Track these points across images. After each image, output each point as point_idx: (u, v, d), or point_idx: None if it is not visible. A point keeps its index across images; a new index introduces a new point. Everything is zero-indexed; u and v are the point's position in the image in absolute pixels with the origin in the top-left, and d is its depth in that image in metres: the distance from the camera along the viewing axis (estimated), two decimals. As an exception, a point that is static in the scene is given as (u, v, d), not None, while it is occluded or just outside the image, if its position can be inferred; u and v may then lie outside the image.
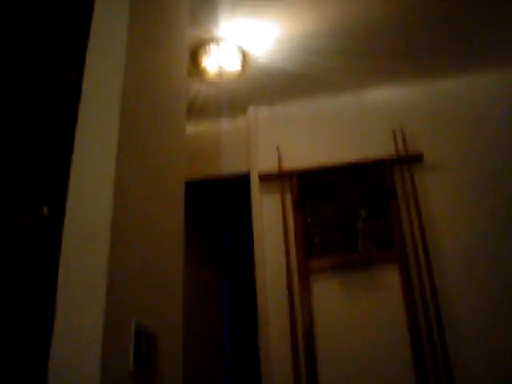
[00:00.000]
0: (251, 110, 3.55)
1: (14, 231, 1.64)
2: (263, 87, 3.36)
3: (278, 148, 3.35)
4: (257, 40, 2.94)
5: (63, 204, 1.52)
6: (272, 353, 2.90)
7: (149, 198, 1.77)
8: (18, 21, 2.07)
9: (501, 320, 2.76)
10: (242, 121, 3.59)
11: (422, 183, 3.15)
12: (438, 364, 2.67)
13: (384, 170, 3.14)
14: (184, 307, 1.90)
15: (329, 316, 2.91)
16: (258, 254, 3.13)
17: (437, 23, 2.88)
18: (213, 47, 2.97)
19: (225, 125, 3.64)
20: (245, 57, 3.07)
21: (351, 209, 3.10)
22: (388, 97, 3.43)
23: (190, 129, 3.59)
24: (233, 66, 3.06)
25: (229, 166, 3.49)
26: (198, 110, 3.53)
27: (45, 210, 1.67)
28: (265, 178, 3.28)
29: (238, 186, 3.46)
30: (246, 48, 3.00)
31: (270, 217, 3.21)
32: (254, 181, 3.31)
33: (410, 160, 3.17)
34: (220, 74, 3.09)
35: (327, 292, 2.97)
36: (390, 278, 2.94)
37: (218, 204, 3.99)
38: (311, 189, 3.18)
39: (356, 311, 2.90)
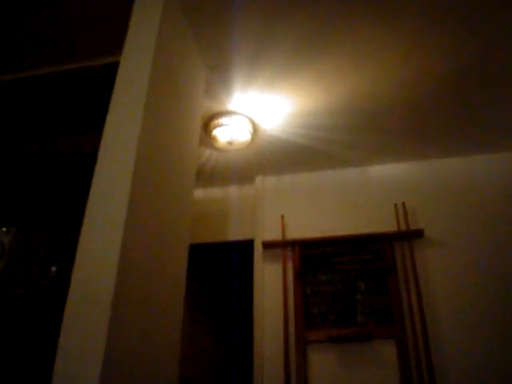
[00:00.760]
0: (259, 179, 3.67)
1: (21, 288, 1.71)
2: (271, 158, 3.49)
3: (282, 217, 3.44)
4: (268, 113, 3.09)
5: (71, 265, 1.59)
6: (265, 423, 2.88)
7: (153, 259, 1.85)
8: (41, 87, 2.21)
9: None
10: (250, 189, 3.71)
11: (422, 258, 3.20)
12: None
13: (385, 245, 3.21)
14: (180, 373, 1.93)
15: (324, 387, 2.91)
16: (257, 321, 3.16)
17: (440, 107, 3.02)
18: (225, 118, 3.12)
19: (233, 192, 3.76)
20: (255, 128, 3.21)
21: (351, 281, 3.15)
22: (391, 173, 3.54)
23: (199, 194, 3.71)
24: (243, 136, 3.20)
25: (235, 231, 3.58)
26: (208, 176, 3.66)
27: (53, 269, 1.74)
28: (268, 246, 3.36)
29: (243, 251, 3.53)
30: (257, 120, 3.15)
31: (271, 283, 3.26)
32: (258, 248, 3.39)
33: (410, 235, 3.24)
34: (230, 144, 3.23)
35: (323, 363, 2.97)
36: (386, 353, 2.95)
37: (224, 266, 4.04)
38: (313, 259, 3.24)
39: (351, 382, 2.89)
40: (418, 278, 3.11)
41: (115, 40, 2.15)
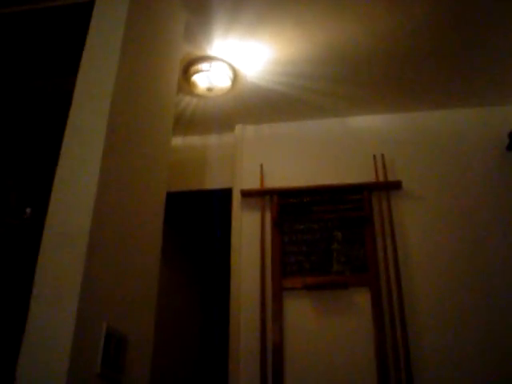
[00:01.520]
0: (238, 127, 3.63)
1: (-4, 229, 1.69)
2: (251, 106, 3.44)
3: (261, 166, 3.42)
4: (248, 60, 3.03)
5: (46, 206, 1.57)
6: (241, 363, 2.94)
7: (129, 203, 1.83)
8: (18, 24, 2.13)
9: (466, 344, 2.83)
10: (229, 137, 3.67)
11: (399, 210, 3.23)
12: (402, 381, 2.73)
13: (363, 195, 3.23)
14: (156, 314, 1.95)
15: (299, 333, 2.97)
16: (233, 268, 3.19)
17: (421, 59, 3.00)
18: (205, 64, 3.05)
19: (211, 140, 3.73)
20: (235, 75, 3.15)
21: (328, 231, 3.17)
22: (372, 124, 3.53)
23: (178, 142, 3.66)
24: (223, 82, 3.15)
25: (213, 180, 3.57)
26: (187, 124, 3.61)
27: (28, 210, 1.72)
28: (246, 195, 3.35)
29: (221, 199, 3.52)
30: (237, 67, 3.09)
31: (248, 233, 3.27)
32: (236, 196, 3.38)
33: (388, 187, 3.26)
34: (210, 90, 3.18)
35: (299, 310, 3.02)
36: (361, 301, 3.01)
37: (200, 215, 4.04)
38: (291, 208, 3.25)
39: (326, 331, 2.96)
40: (394, 229, 3.14)
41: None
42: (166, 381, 3.22)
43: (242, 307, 3.08)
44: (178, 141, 3.64)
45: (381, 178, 3.29)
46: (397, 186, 3.26)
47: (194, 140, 3.74)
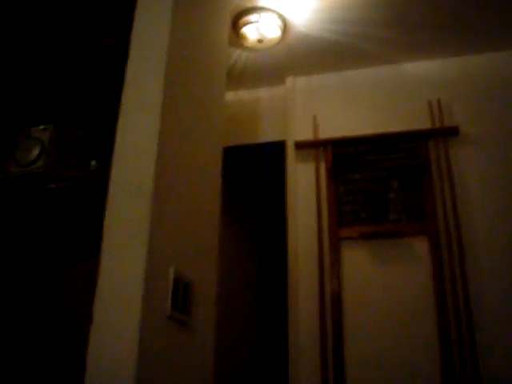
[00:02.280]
0: (289, 79, 3.60)
1: (63, 183, 1.75)
2: (302, 57, 3.40)
3: (314, 117, 3.40)
4: (297, 8, 2.97)
5: (110, 157, 1.61)
6: (300, 313, 3.00)
7: (189, 154, 1.86)
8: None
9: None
10: (280, 90, 3.64)
11: (457, 157, 3.16)
12: (463, 335, 2.72)
13: (419, 143, 3.16)
14: (219, 261, 2.00)
15: (357, 282, 2.99)
16: (290, 220, 3.21)
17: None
18: (254, 15, 3.02)
19: (263, 93, 3.71)
20: (285, 25, 3.10)
21: (384, 180, 3.14)
22: (426, 70, 3.42)
23: (229, 96, 3.67)
24: (273, 33, 3.11)
25: (266, 133, 3.57)
26: (237, 78, 3.60)
27: (92, 163, 1.77)
28: (300, 147, 3.34)
29: (275, 152, 3.52)
30: (287, 16, 3.04)
31: (303, 184, 3.28)
32: (290, 149, 3.38)
33: (445, 133, 3.18)
34: (260, 41, 3.15)
35: (357, 260, 3.03)
36: (419, 250, 2.99)
37: (255, 169, 4.06)
38: (345, 158, 3.23)
39: (384, 280, 2.97)
40: (453, 176, 3.08)
41: None
42: (227, 328, 3.31)
43: (299, 258, 3.12)
44: (229, 96, 3.65)
45: (437, 125, 3.21)
46: (454, 131, 3.18)
47: (245, 94, 3.73)
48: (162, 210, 1.55)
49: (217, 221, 2.05)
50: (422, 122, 3.25)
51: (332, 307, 2.94)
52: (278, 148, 3.44)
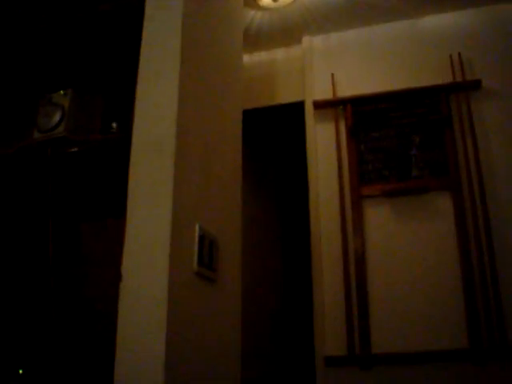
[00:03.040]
0: (306, 39, 3.54)
1: (85, 146, 1.77)
2: (318, 15, 3.33)
3: (332, 76, 3.35)
4: (312, -35, 2.92)
5: (131, 120, 1.62)
6: (324, 273, 3.02)
7: (209, 117, 1.86)
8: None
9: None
10: (297, 50, 3.59)
11: (479, 111, 3.10)
12: (488, 288, 2.72)
13: (440, 98, 3.11)
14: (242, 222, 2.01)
15: (380, 240, 2.99)
16: (311, 181, 3.21)
17: None
18: (268, -27, 2.97)
19: (279, 54, 3.66)
20: (300, -18, 3.05)
21: (405, 136, 3.10)
22: (445, 23, 3.34)
23: (245, 59, 3.62)
24: (288, -9, 3.06)
25: (284, 94, 3.53)
26: (253, 40, 3.55)
27: (114, 125, 1.78)
28: (319, 106, 3.31)
29: (294, 114, 3.49)
30: (302, -27, 2.98)
31: (323, 144, 3.26)
32: (309, 108, 3.34)
33: (467, 87, 3.12)
34: (275, 0, 3.10)
35: (379, 217, 3.03)
36: (442, 206, 2.97)
37: (274, 130, 4.04)
38: (365, 116, 3.19)
39: (407, 236, 2.96)
40: (475, 131, 3.03)
41: None
42: (252, 289, 3.34)
43: (321, 218, 3.12)
44: (245, 58, 3.59)
45: (458, 79, 3.14)
46: (476, 85, 3.11)
47: (261, 56, 3.69)
48: (184, 168, 1.56)
49: (239, 180, 2.06)
50: (443, 77, 3.18)
51: (356, 266, 2.95)
52: (297, 109, 3.41)
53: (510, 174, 2.94)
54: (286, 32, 3.50)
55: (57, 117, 1.83)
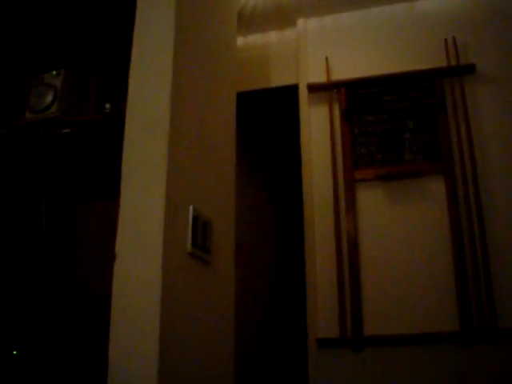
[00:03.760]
0: (300, 21, 3.51)
1: (78, 127, 1.76)
2: (313, -4, 3.31)
3: (326, 59, 3.33)
4: None
5: (125, 101, 1.61)
6: (317, 257, 3.03)
7: (203, 98, 1.85)
8: None
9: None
10: (291, 33, 3.56)
11: (473, 96, 3.10)
12: (479, 273, 2.74)
13: (434, 82, 3.11)
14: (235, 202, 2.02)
15: (373, 224, 3.00)
16: (305, 164, 3.20)
17: None
18: (263, -46, 2.94)
19: (273, 37, 3.63)
20: (295, -36, 3.02)
21: (399, 120, 3.10)
22: (441, 6, 3.32)
23: (239, 41, 3.59)
24: (282, -27, 3.03)
25: (278, 77, 3.52)
26: (247, 22, 3.52)
27: (107, 106, 1.77)
28: (313, 89, 3.30)
29: (288, 97, 3.48)
30: (297, -45, 2.95)
31: (317, 127, 3.25)
32: (303, 91, 3.33)
33: (461, 71, 3.11)
34: (270, -18, 3.08)
35: (373, 201, 3.03)
36: (435, 190, 2.97)
37: (268, 113, 4.02)
38: (359, 100, 3.19)
39: (400, 220, 2.97)
40: (469, 115, 3.03)
41: None
42: (244, 266, 3.34)
43: (314, 202, 3.13)
44: (239, 41, 3.56)
45: (453, 63, 3.14)
46: (470, 70, 3.11)
47: (255, 38, 3.66)
48: (178, 150, 1.55)
49: (233, 162, 2.06)
50: (437, 61, 3.17)
51: (348, 249, 2.97)
52: (291, 92, 3.40)
53: (502, 158, 2.95)
54: (281, 14, 3.47)
55: (49, 97, 1.82)
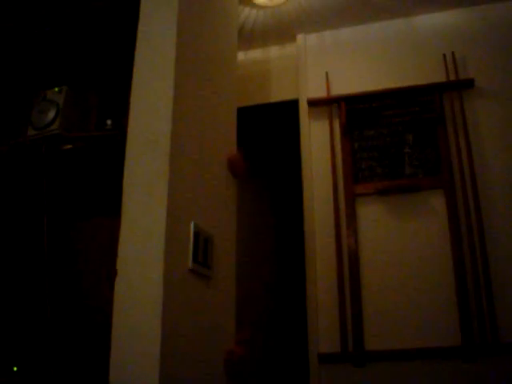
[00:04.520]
0: (300, 37, 3.55)
1: (79, 143, 1.77)
2: (312, 13, 3.33)
3: (326, 74, 3.36)
4: (307, -37, 2.92)
5: (126, 117, 1.62)
6: (318, 271, 3.03)
7: (204, 114, 1.86)
8: None
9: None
10: (291, 48, 3.60)
11: (472, 110, 3.11)
12: (480, 288, 2.73)
13: (433, 96, 3.12)
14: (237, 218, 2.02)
15: (374, 238, 3.00)
16: (305, 178, 3.21)
17: None
18: (262, -28, 2.97)
19: (273, 52, 3.67)
20: (294, -19, 3.05)
21: (399, 135, 3.12)
22: (439, 22, 3.35)
23: (239, 56, 3.63)
24: (282, -10, 3.06)
25: (278, 92, 3.54)
26: (247, 37, 3.55)
27: (108, 122, 1.78)
28: (313, 104, 3.32)
29: (288, 113, 3.50)
30: (296, -28, 2.99)
31: (318, 142, 3.26)
32: (303, 106, 3.35)
33: (460, 86, 3.13)
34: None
35: (373, 215, 3.04)
36: (435, 204, 2.98)
37: (268, 128, 4.04)
38: (359, 114, 3.20)
39: (401, 234, 2.97)
40: (468, 130, 3.04)
41: None
42: (246, 280, 3.34)
43: (315, 216, 3.13)
44: (239, 56, 3.60)
45: (452, 77, 3.16)
46: (469, 84, 3.13)
47: (255, 54, 3.69)
48: (180, 166, 1.56)
49: (234, 178, 2.06)
50: (436, 76, 3.20)
51: (349, 263, 2.96)
52: (291, 107, 3.42)
53: (502, 172, 2.95)
54: (281, 30, 3.50)
55: (51, 114, 1.83)
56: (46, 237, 1.86)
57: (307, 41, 3.53)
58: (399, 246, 2.96)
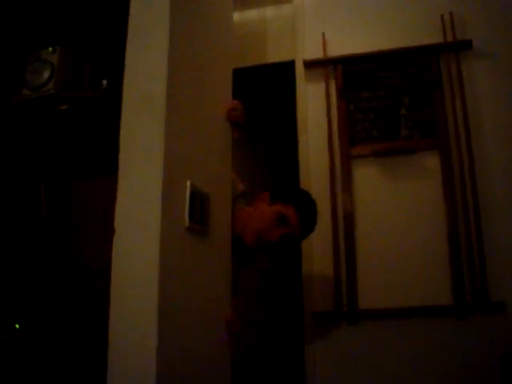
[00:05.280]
0: (297, -3, 3.50)
1: (75, 103, 1.77)
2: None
3: (323, 35, 3.32)
4: None
5: (121, 77, 1.62)
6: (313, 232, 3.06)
7: (200, 73, 1.86)
8: None
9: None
10: (288, 8, 3.54)
11: (469, 72, 3.10)
12: (472, 248, 2.77)
13: (430, 58, 3.10)
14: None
15: (369, 200, 3.02)
16: (301, 140, 3.21)
17: None
18: None
19: (270, 12, 3.61)
20: None
21: (395, 96, 3.11)
22: (439, -19, 3.30)
23: (235, 17, 3.57)
24: None
25: (274, 54, 3.50)
26: (243, -3, 3.50)
27: (104, 82, 1.78)
28: (309, 66, 3.29)
29: (284, 74, 3.47)
30: None
31: (314, 104, 3.25)
32: (299, 68, 3.32)
33: (457, 47, 3.10)
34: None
35: (369, 177, 3.05)
36: (431, 166, 2.99)
37: (264, 90, 4.02)
38: (356, 76, 3.18)
39: (396, 196, 2.99)
40: (465, 92, 3.03)
41: None
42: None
43: (311, 178, 3.14)
44: (235, 16, 3.54)
45: (449, 39, 3.13)
46: (467, 45, 3.09)
47: (251, 14, 3.64)
48: (175, 125, 1.57)
49: (229, 138, 2.07)
50: (433, 37, 3.16)
51: (344, 224, 3.00)
52: (288, 68, 3.39)
53: (497, 133, 2.96)
54: (277, -12, 3.45)
55: (46, 74, 1.82)
56: (44, 197, 1.87)
57: (304, 1, 3.48)
58: (394, 207, 2.99)
